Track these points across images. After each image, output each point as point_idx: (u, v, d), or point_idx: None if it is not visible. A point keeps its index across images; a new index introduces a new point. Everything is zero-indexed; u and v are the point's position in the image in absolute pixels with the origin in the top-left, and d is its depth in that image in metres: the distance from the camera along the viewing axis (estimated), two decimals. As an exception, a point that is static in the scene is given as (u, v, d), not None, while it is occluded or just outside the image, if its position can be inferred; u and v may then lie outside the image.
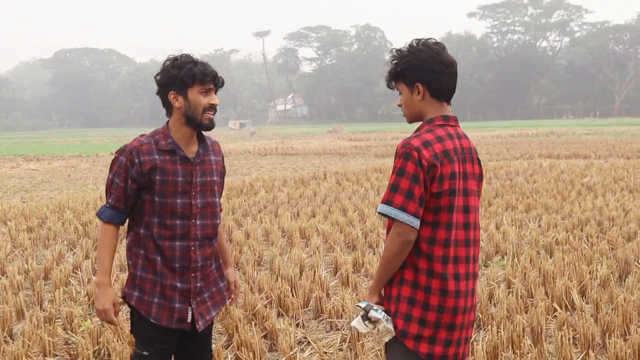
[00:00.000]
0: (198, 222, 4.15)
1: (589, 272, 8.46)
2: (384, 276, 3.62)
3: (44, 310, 7.85)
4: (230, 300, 4.55)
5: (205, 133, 4.29)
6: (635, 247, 9.64)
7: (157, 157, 4.06)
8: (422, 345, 3.57)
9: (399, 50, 3.67)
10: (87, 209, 15.51)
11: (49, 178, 26.55)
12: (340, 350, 6.54)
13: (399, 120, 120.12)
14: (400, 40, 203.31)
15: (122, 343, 6.43)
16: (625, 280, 8.52)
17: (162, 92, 4.10)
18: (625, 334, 6.56)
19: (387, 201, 3.48)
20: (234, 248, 10.80)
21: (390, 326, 3.59)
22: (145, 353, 4.17)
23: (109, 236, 4.17)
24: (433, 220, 3.53)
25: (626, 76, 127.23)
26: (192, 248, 4.14)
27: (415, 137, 3.54)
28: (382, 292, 3.71)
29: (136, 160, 4.05)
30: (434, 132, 3.56)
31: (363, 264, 9.61)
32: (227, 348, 6.71)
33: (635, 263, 9.10)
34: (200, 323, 4.22)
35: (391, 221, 3.54)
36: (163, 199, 4.07)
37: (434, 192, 3.49)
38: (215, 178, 4.24)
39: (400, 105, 3.77)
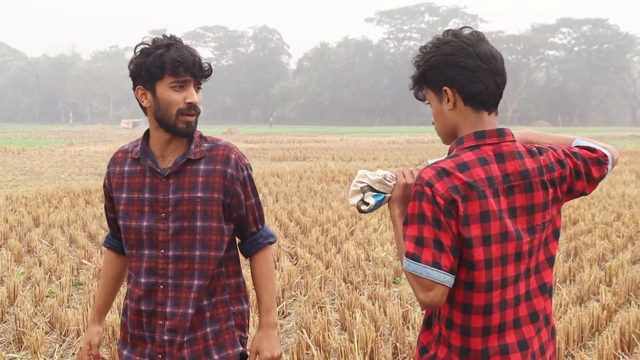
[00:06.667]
0: (170, 254, 3.05)
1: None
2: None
3: None
4: None
5: (214, 136, 3.20)
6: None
7: (126, 168, 3.14)
8: None
9: (423, 47, 2.68)
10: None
11: None
12: None
13: (294, 122, 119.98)
14: (298, 42, 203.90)
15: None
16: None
17: (133, 87, 3.06)
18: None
19: (413, 255, 2.48)
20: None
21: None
22: None
23: (104, 262, 3.41)
24: (466, 279, 2.52)
25: (518, 86, 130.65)
26: (161, 287, 3.07)
27: (431, 165, 2.56)
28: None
29: (107, 171, 3.23)
30: (459, 158, 2.54)
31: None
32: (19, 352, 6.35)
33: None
34: None
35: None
36: (127, 221, 3.10)
37: (463, 239, 2.49)
38: (198, 194, 3.03)
39: (434, 123, 2.79)
